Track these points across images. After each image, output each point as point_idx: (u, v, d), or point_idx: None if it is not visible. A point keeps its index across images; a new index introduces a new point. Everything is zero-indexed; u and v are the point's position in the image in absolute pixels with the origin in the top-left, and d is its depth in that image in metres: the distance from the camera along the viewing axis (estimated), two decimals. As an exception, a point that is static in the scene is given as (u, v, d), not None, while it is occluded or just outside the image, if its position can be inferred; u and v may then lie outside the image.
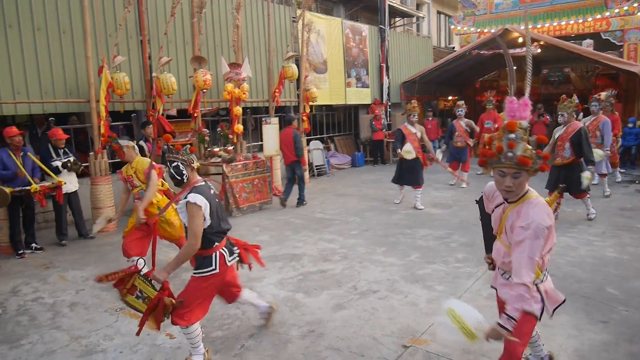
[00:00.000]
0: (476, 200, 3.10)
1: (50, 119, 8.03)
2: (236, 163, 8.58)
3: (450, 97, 19.37)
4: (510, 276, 2.65)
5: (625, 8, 15.45)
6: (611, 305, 4.36)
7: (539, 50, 14.28)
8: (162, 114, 8.25)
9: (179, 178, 3.45)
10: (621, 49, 15.68)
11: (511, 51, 14.47)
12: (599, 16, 16.03)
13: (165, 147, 6.98)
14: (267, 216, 8.41)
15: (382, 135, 14.67)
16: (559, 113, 7.18)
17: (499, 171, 2.48)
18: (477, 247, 6.17)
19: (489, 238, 2.94)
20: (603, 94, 10.18)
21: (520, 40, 14.39)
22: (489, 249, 2.97)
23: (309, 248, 6.41)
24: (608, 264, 5.44)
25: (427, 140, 8.81)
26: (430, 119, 14.27)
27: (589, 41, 15.37)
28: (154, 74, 8.35)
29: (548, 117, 13.37)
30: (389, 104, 15.77)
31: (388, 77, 15.73)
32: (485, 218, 2.96)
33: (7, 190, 5.70)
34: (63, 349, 3.88)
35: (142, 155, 7.62)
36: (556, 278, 4.99)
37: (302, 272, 5.50)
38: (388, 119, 15.56)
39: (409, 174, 8.53)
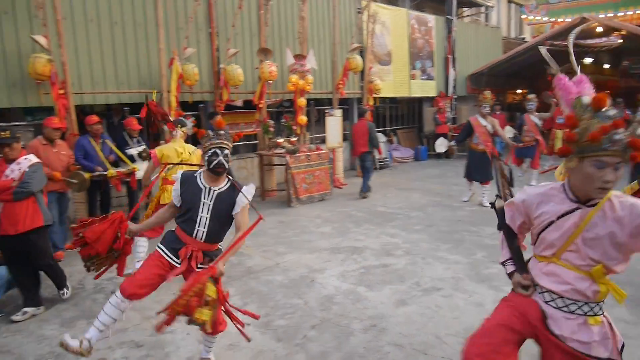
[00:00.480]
0: (491, 204, 2.48)
1: (125, 108, 8.41)
2: (299, 154, 8.64)
3: (519, 91, 18.57)
4: (583, 306, 2.02)
5: None
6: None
7: (621, 41, 13.37)
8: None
9: (226, 167, 3.13)
10: None
11: (588, 41, 13.67)
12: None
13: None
14: (328, 208, 8.42)
15: (446, 128, 14.27)
16: None
17: (597, 162, 1.86)
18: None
19: (519, 252, 2.33)
20: None
21: (600, 29, 13.53)
22: (523, 266, 2.28)
23: (371, 241, 6.36)
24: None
25: (502, 132, 8.34)
26: (497, 112, 13.74)
27: (678, 30, 14.21)
28: (221, 66, 8.56)
29: (628, 113, 12.50)
30: (455, 96, 15.35)
31: (454, 69, 15.29)
32: (509, 229, 2.35)
33: (87, 175, 6.02)
34: (135, 327, 4.06)
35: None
36: (636, 286, 4.68)
37: (364, 266, 5.46)
38: (453, 112, 15.15)
39: (478, 169, 8.21)
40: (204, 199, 3.14)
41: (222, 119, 5.80)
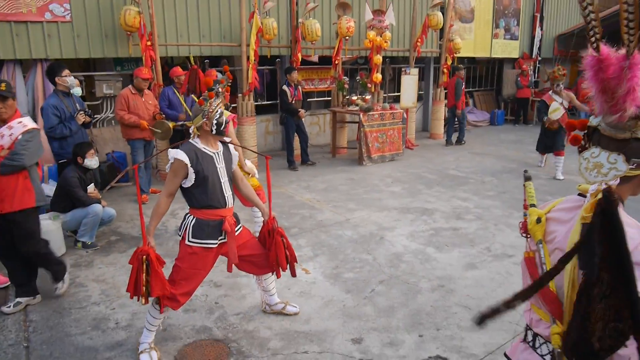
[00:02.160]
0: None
1: (205, 60, 8.66)
2: (373, 112, 8.59)
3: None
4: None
5: None
6: None
7: None
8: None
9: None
10: None
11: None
12: None
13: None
14: (400, 168, 8.39)
15: (528, 92, 13.54)
16: None
17: None
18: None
19: None
20: None
21: None
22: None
23: (441, 204, 6.32)
24: None
25: (580, 105, 7.87)
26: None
27: None
28: (300, 20, 8.55)
29: None
30: (539, 59, 14.46)
31: (541, 29, 14.33)
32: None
33: (171, 124, 6.35)
34: (214, 269, 4.34)
35: (284, 100, 8.03)
36: None
37: (434, 227, 5.46)
38: (536, 75, 14.32)
39: (548, 140, 7.85)
40: (218, 164, 3.03)
41: (210, 76, 5.37)
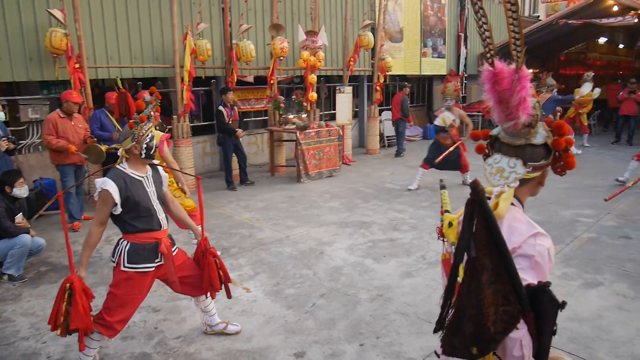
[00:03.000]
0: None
1: (138, 83, 8.50)
2: (309, 130, 8.74)
3: (531, 70, 18.38)
4: None
5: None
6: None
7: (636, 20, 13.17)
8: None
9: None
10: None
11: (603, 21, 13.50)
12: None
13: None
14: (337, 184, 8.56)
15: (457, 106, 14.22)
16: None
17: None
18: (552, 225, 6.01)
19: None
20: None
21: (616, 8, 13.34)
22: None
23: (378, 217, 6.51)
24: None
25: (468, 120, 8.07)
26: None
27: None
28: (234, 41, 8.62)
29: (641, 94, 12.41)
30: (465, 75, 15.28)
31: (466, 48, 15.19)
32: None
33: (103, 147, 6.18)
34: (151, 294, 4.26)
35: (221, 120, 8.01)
36: (637, 263, 4.81)
37: (372, 240, 5.62)
38: (463, 91, 15.10)
39: (432, 154, 7.94)
40: (148, 188, 3.01)
41: (141, 97, 5.47)
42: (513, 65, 1.48)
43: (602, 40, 19.07)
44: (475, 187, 1.24)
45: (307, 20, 10.17)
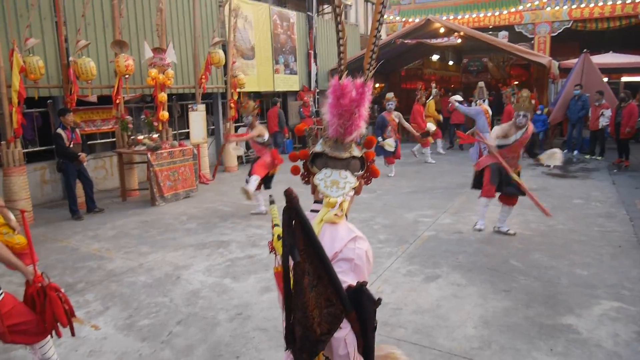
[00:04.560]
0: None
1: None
2: (161, 151, 8.41)
3: (377, 85, 19.90)
4: None
5: (536, 3, 16.58)
6: (513, 276, 4.83)
7: (459, 41, 14.98)
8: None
9: None
10: (532, 41, 16.82)
11: (433, 41, 15.13)
12: (513, 9, 17.09)
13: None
14: (195, 204, 8.35)
15: (310, 122, 14.82)
16: (521, 114, 5.74)
17: None
18: (398, 228, 6.53)
19: None
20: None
21: (442, 30, 15.02)
22: None
23: (237, 235, 6.48)
24: (513, 239, 5.97)
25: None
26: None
27: (504, 33, 16.38)
28: (71, 58, 7.98)
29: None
30: (317, 90, 15.97)
31: (316, 64, 15.90)
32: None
33: None
34: None
35: (60, 144, 7.33)
36: (467, 254, 5.47)
37: (230, 258, 5.58)
38: (316, 105, 15.76)
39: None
40: None
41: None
42: (359, 80, 1.62)
43: (435, 57, 21.33)
44: (289, 194, 1.31)
45: (154, 36, 9.82)
